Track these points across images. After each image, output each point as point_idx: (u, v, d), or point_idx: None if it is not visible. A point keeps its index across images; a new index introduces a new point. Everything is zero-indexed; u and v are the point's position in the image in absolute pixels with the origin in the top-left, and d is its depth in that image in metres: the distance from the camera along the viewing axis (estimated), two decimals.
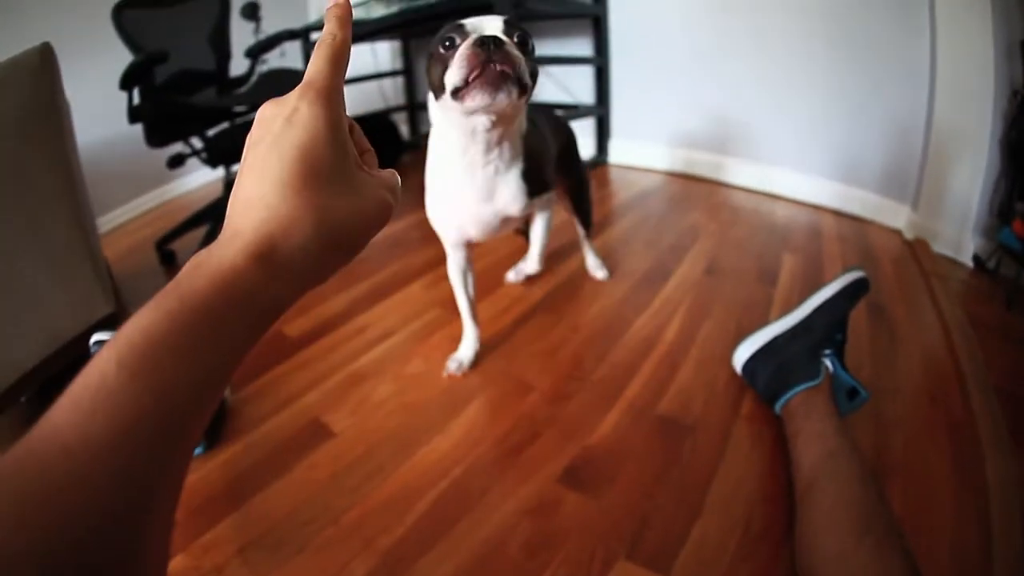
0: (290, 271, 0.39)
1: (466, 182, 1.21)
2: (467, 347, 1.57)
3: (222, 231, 0.39)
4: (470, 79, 0.92)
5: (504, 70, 0.91)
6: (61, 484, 0.28)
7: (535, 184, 1.27)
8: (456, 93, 0.95)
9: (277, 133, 0.40)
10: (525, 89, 0.96)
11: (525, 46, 0.98)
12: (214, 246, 0.38)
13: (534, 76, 1.00)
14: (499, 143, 1.15)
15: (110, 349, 0.32)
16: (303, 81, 0.43)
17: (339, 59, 0.45)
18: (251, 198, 0.39)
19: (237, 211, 0.39)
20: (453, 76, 0.93)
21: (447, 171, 1.24)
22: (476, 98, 0.93)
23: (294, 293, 0.40)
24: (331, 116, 0.42)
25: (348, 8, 0.47)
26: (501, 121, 1.08)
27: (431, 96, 1.08)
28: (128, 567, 0.30)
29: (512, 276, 2.01)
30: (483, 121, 1.06)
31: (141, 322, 0.33)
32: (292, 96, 0.42)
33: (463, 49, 0.92)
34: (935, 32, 2.09)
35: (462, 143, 1.14)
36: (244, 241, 0.37)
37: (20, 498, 0.27)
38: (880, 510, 0.89)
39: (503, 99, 0.93)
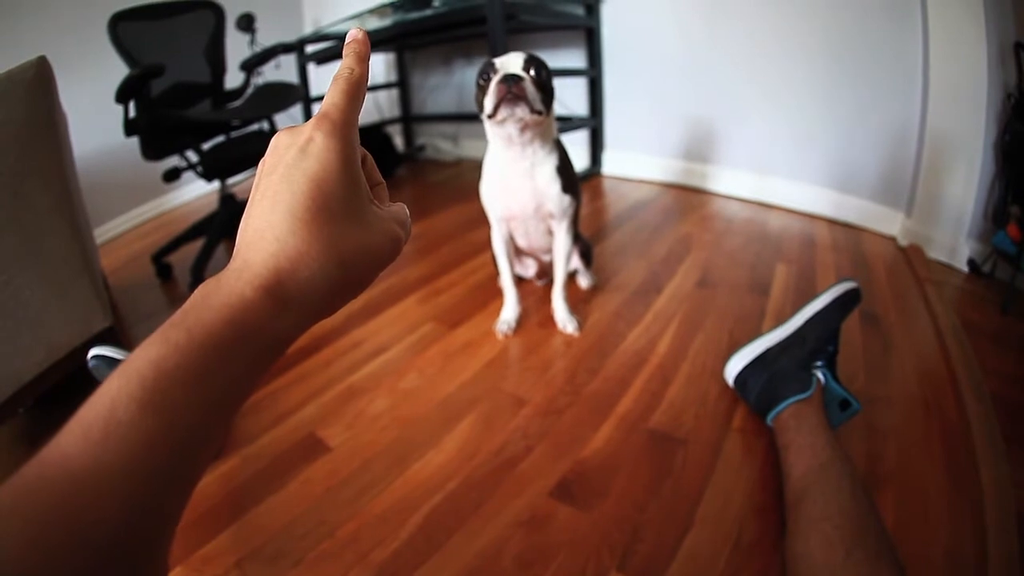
0: (299, 304, 0.39)
1: (512, 169, 1.58)
2: (510, 310, 1.82)
3: (232, 260, 0.39)
4: (498, 104, 1.37)
5: (519, 95, 1.35)
6: (72, 508, 0.29)
7: (566, 180, 1.61)
8: (491, 114, 1.40)
9: (290, 163, 0.40)
10: (537, 111, 1.39)
11: (540, 75, 1.41)
12: (223, 276, 0.38)
13: (549, 97, 1.45)
14: (532, 142, 1.52)
15: (120, 379, 0.33)
16: (319, 112, 0.43)
17: (356, 93, 0.46)
18: (261, 229, 0.39)
19: (246, 241, 0.39)
20: (488, 103, 1.39)
21: (499, 163, 1.61)
22: (502, 113, 1.39)
23: (302, 326, 0.40)
24: (345, 149, 0.42)
25: (367, 44, 0.49)
26: (527, 128, 1.47)
27: (480, 115, 1.49)
28: None
29: (538, 282, 2.10)
30: (513, 129, 1.46)
31: (150, 354, 0.34)
32: (307, 126, 0.42)
33: (492, 85, 1.37)
34: (927, 36, 2.10)
35: (504, 144, 1.53)
36: (253, 273, 0.37)
37: (30, 519, 0.28)
38: (871, 523, 0.89)
39: (520, 112, 1.38)
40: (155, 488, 0.32)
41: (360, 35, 0.49)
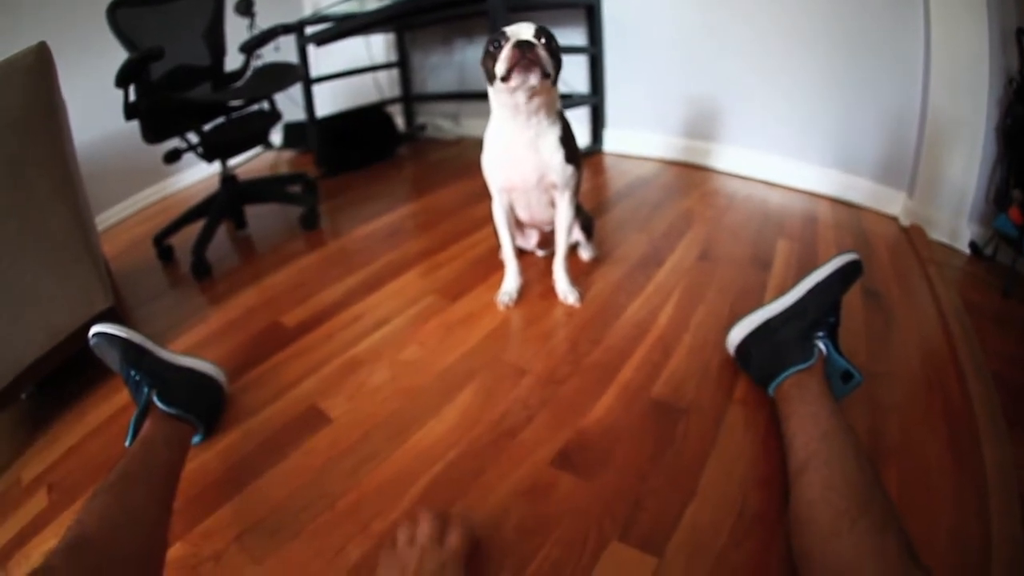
0: None
1: (516, 139, 1.58)
2: (511, 281, 1.83)
3: None
4: (511, 69, 1.36)
5: (532, 61, 1.35)
6: None
7: (569, 151, 1.61)
8: (504, 79, 1.40)
9: None
10: (548, 75, 1.40)
11: (550, 44, 1.42)
12: None
13: (558, 65, 1.45)
14: (537, 112, 1.52)
15: None
16: (452, 551, 0.88)
17: (470, 546, 0.86)
18: None
19: None
20: (500, 67, 1.39)
21: (502, 133, 1.61)
22: (515, 80, 1.38)
23: None
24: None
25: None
26: (535, 95, 1.47)
27: (488, 83, 1.51)
28: None
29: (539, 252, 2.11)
30: (522, 96, 1.45)
31: None
32: (444, 556, 0.80)
33: (506, 50, 1.37)
34: (929, 18, 2.08)
35: (510, 113, 1.53)
36: None
37: None
38: (875, 492, 0.88)
39: (533, 79, 1.38)
40: None
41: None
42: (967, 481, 1.09)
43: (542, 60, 1.37)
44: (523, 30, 1.41)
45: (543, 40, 1.40)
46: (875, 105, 2.41)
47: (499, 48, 1.40)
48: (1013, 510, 1.01)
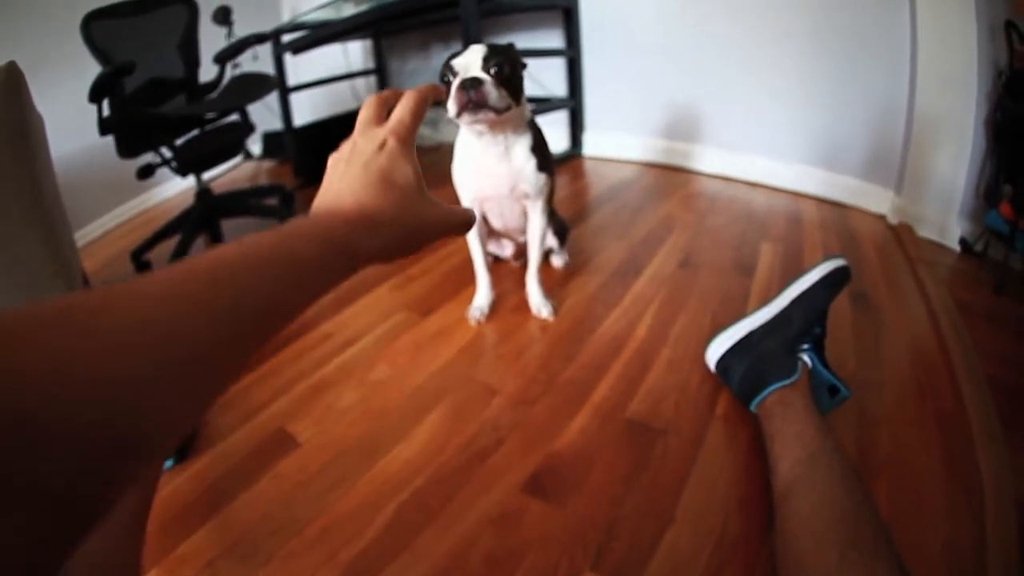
0: (372, 236, 0.52)
1: (486, 153, 1.55)
2: (482, 296, 1.79)
3: (317, 210, 0.55)
4: (460, 110, 1.33)
5: (479, 103, 1.32)
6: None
7: (541, 159, 1.58)
8: (456, 116, 1.37)
9: (368, 158, 0.56)
10: (499, 110, 1.35)
11: (502, 70, 1.36)
12: (313, 215, 0.54)
13: (516, 89, 1.42)
14: (503, 130, 1.50)
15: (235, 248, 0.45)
16: (393, 123, 0.60)
17: (419, 115, 0.62)
18: (344, 192, 0.55)
19: (330, 199, 0.55)
20: (450, 108, 1.35)
21: (472, 148, 1.57)
22: (466, 119, 1.36)
23: (370, 255, 0.53)
24: (408, 151, 0.59)
25: (436, 91, 0.67)
26: (495, 125, 1.45)
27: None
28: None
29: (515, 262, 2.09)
30: (481, 127, 1.44)
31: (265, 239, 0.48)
32: (382, 133, 0.59)
33: (453, 90, 1.33)
34: (916, 11, 2.07)
35: (476, 136, 1.52)
36: (345, 211, 0.53)
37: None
38: (866, 519, 0.84)
39: (483, 117, 1.35)
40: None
41: (436, 89, 0.68)
42: (961, 489, 1.07)
43: (490, 100, 1.33)
44: (471, 63, 1.37)
45: (494, 69, 1.35)
46: (861, 100, 2.40)
47: (449, 83, 1.37)
48: (1009, 516, 0.99)
